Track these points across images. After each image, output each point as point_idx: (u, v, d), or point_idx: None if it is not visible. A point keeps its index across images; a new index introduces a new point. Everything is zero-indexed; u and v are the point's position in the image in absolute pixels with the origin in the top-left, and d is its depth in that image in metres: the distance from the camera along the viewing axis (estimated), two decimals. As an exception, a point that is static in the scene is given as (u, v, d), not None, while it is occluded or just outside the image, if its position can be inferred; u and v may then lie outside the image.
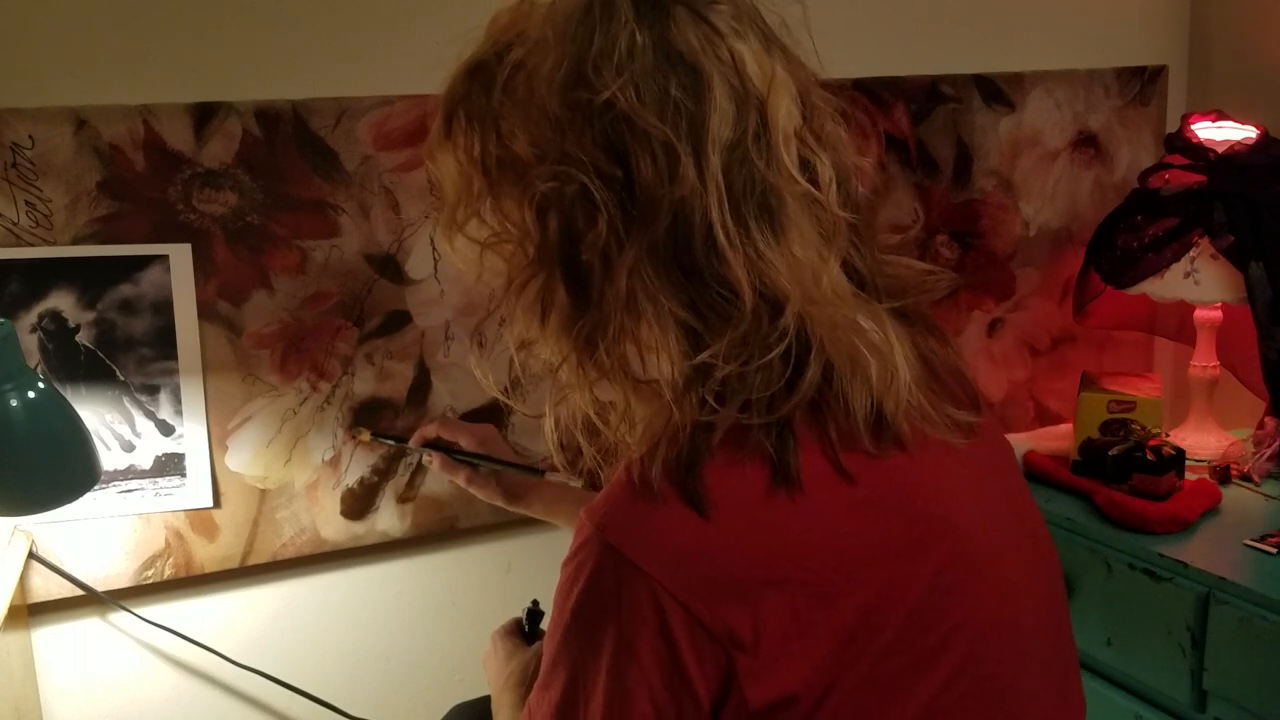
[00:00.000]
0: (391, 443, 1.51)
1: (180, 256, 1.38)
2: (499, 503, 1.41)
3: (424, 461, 1.45)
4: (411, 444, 1.44)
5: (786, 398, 0.77)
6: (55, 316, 1.35)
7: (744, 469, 0.76)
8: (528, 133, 0.79)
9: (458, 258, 0.88)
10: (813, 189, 0.80)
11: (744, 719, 0.74)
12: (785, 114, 0.80)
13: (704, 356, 0.76)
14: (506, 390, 0.89)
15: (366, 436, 1.49)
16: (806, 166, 0.81)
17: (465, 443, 1.40)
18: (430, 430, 1.43)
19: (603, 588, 0.75)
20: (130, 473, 1.41)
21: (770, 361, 0.76)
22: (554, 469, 1.35)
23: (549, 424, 0.85)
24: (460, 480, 1.40)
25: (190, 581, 1.47)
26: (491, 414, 1.57)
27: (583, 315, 0.79)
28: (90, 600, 1.41)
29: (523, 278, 0.82)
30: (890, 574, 0.77)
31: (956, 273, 1.83)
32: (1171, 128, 1.81)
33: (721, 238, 0.76)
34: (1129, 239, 1.71)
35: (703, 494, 0.75)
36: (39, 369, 1.34)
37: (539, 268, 0.80)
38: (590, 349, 0.80)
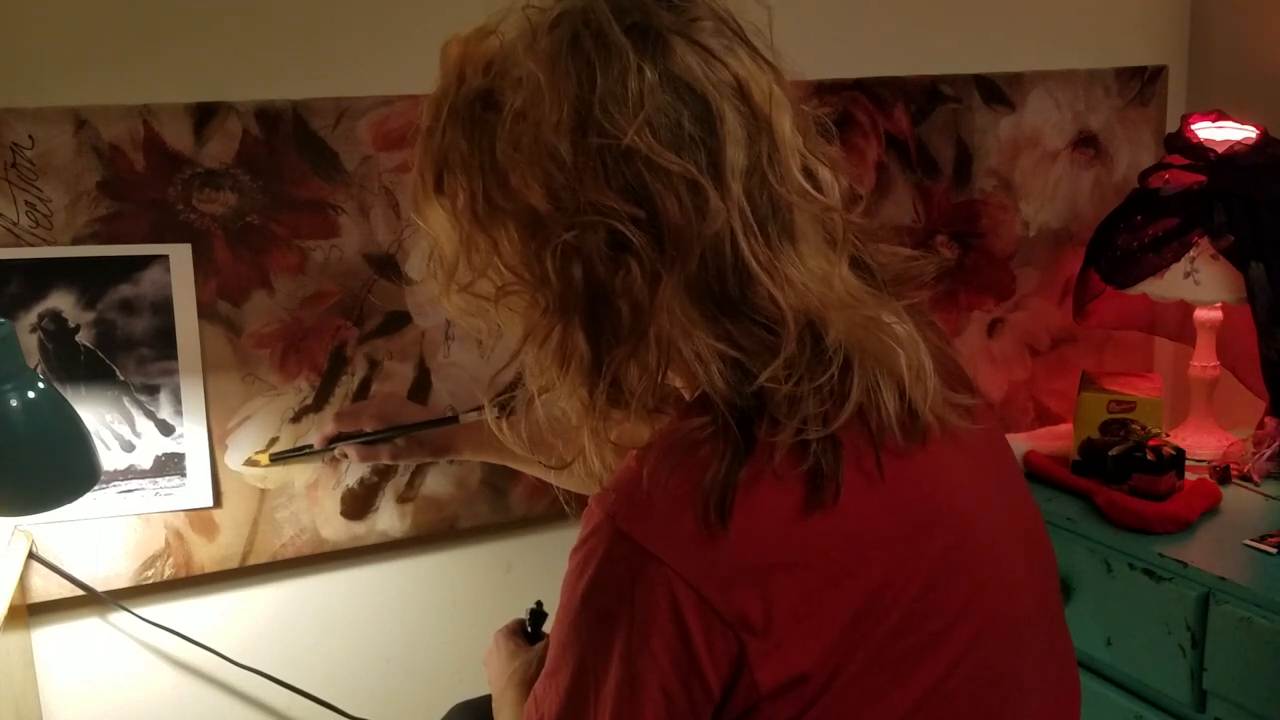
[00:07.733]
0: (296, 455, 1.46)
1: (180, 256, 1.38)
2: (429, 460, 1.44)
3: (338, 457, 1.45)
4: (317, 445, 1.44)
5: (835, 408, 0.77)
6: (55, 316, 1.34)
7: None
8: (541, 183, 0.77)
9: (460, 317, 0.87)
10: (821, 197, 0.80)
11: (754, 702, 0.74)
12: (789, 129, 0.80)
13: (760, 383, 0.76)
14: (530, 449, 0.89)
15: (265, 460, 1.45)
16: (810, 175, 0.81)
17: (368, 425, 1.40)
18: (329, 429, 1.43)
19: (614, 574, 0.75)
20: (130, 473, 1.40)
21: (817, 380, 0.76)
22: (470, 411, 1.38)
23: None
24: (385, 459, 1.42)
25: (190, 581, 1.47)
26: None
27: (608, 360, 0.78)
28: (90, 600, 1.41)
29: (544, 327, 0.80)
30: (897, 557, 0.78)
31: (956, 272, 1.83)
32: (1171, 128, 1.81)
33: (753, 264, 0.76)
34: (1129, 239, 1.71)
35: None
36: (39, 369, 1.34)
37: (559, 317, 0.79)
38: (616, 393, 0.79)
